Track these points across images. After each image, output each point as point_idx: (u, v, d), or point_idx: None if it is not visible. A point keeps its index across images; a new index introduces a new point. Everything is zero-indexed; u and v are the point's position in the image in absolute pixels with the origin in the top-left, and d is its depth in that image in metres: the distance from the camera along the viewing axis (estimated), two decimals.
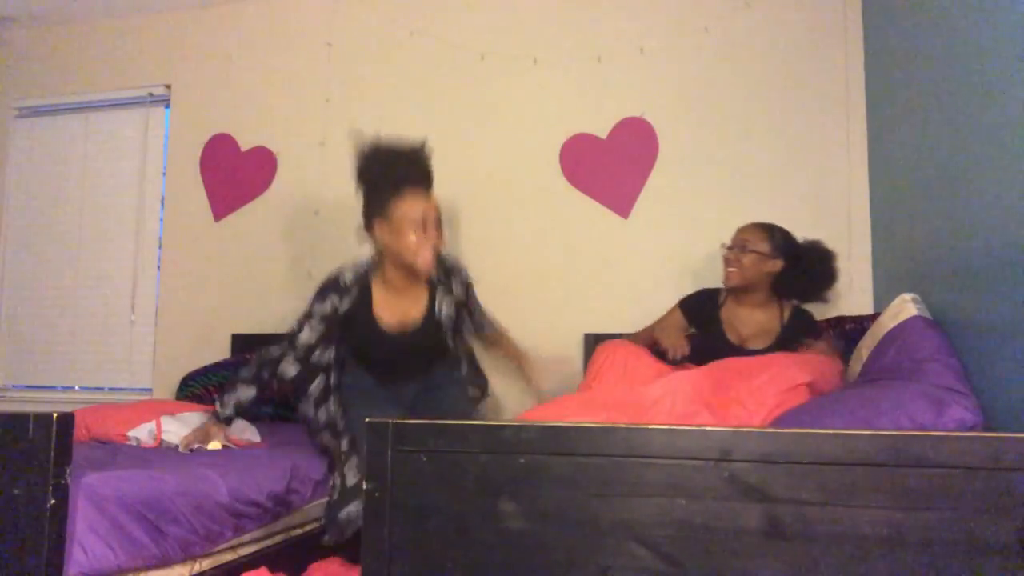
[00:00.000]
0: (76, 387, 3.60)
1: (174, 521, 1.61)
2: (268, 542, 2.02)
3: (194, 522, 1.66)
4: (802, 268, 2.37)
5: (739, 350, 2.34)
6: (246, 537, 1.90)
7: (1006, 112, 1.66)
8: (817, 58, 2.87)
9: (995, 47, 1.72)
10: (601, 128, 3.06)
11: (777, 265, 2.37)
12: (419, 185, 2.15)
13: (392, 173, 2.12)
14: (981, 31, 1.80)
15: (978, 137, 1.81)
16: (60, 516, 1.28)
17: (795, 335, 2.35)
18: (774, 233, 2.39)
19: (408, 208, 2.10)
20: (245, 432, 2.45)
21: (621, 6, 3.09)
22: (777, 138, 2.88)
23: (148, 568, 1.55)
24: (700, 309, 2.52)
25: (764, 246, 2.36)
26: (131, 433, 2.37)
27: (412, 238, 2.09)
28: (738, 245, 2.40)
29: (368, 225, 2.18)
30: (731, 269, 2.40)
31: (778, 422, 1.79)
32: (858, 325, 2.45)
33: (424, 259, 2.11)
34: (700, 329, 2.51)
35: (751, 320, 2.43)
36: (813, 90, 2.87)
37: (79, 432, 2.45)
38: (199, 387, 3.10)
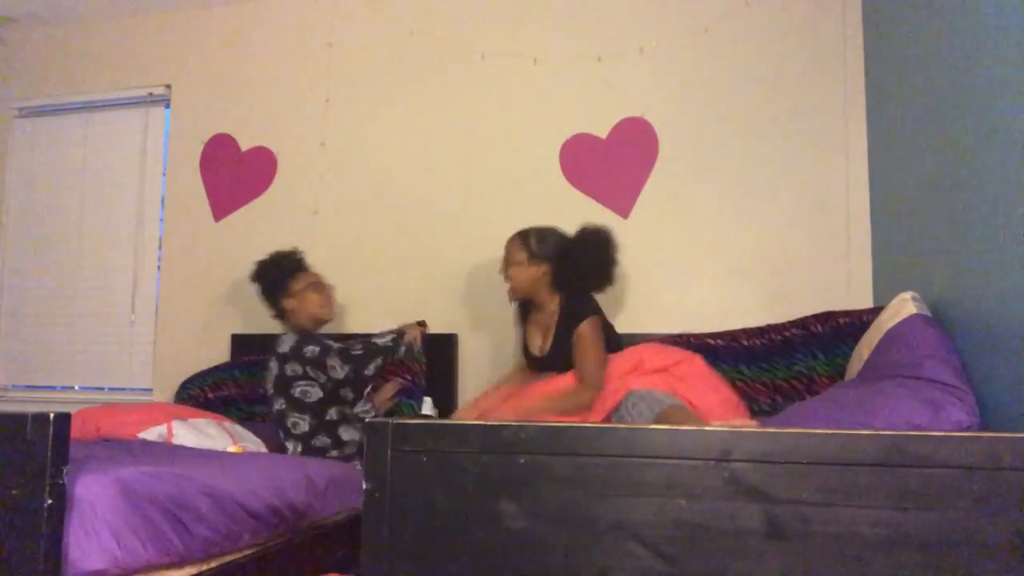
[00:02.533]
0: (76, 387, 3.60)
1: (199, 520, 1.61)
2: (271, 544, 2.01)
3: (218, 522, 1.67)
4: (573, 261, 2.38)
5: (537, 360, 2.45)
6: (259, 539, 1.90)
7: (1005, 111, 1.66)
8: (817, 58, 2.87)
9: (995, 45, 1.72)
10: (601, 128, 3.06)
11: (542, 269, 2.39)
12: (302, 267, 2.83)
13: (286, 264, 2.79)
14: (981, 29, 1.80)
15: (977, 135, 1.81)
16: (57, 516, 1.28)
17: (567, 327, 2.36)
18: (528, 239, 2.43)
19: (306, 279, 2.75)
20: (253, 444, 2.46)
21: (621, 6, 3.09)
22: (777, 138, 2.88)
23: (170, 566, 1.55)
24: (523, 314, 2.61)
25: (521, 255, 2.41)
26: (141, 435, 2.37)
27: (315, 297, 2.71)
28: (505, 261, 2.47)
29: (279, 308, 2.74)
30: (508, 286, 2.48)
31: (775, 422, 1.79)
32: (854, 319, 2.44)
33: (331, 310, 2.77)
34: (523, 335, 2.61)
35: (542, 321, 2.48)
36: (813, 90, 2.86)
37: (89, 431, 2.45)
38: (195, 389, 3.10)
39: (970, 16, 1.86)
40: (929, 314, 1.98)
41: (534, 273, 2.41)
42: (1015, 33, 1.62)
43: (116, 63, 3.68)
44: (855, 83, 2.83)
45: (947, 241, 2.02)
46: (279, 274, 2.74)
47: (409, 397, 2.82)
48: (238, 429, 2.55)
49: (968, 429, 1.51)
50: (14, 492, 1.26)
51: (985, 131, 1.77)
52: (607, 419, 2.11)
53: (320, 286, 2.75)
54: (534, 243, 2.42)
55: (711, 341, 2.62)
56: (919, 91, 2.24)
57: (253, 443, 2.46)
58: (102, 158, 3.67)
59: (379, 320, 3.12)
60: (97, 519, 1.38)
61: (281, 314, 2.74)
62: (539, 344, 2.48)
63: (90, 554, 1.35)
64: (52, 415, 1.27)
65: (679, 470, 1.02)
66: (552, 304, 2.44)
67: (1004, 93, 1.67)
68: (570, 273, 2.38)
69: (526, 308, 2.58)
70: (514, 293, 2.48)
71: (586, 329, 2.31)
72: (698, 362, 2.26)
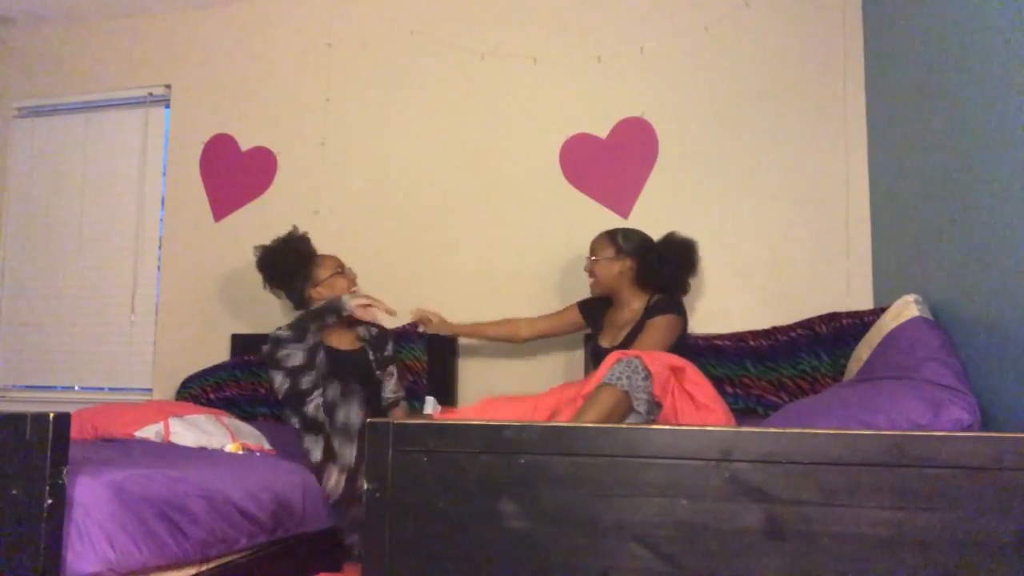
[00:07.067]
0: (76, 387, 3.60)
1: (195, 522, 1.61)
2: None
3: (213, 524, 1.67)
4: (656, 261, 2.47)
5: (605, 352, 2.40)
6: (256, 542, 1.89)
7: (1006, 111, 1.66)
8: (817, 57, 2.87)
9: (995, 45, 1.72)
10: (601, 128, 3.06)
11: (627, 263, 2.50)
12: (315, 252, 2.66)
13: (304, 250, 2.62)
14: (981, 29, 1.80)
15: (978, 136, 1.81)
16: (57, 516, 1.28)
17: (644, 322, 2.43)
18: (615, 235, 2.54)
19: (331, 263, 2.61)
20: (252, 439, 2.45)
21: (621, 6, 3.09)
22: (777, 138, 2.88)
23: (166, 568, 1.55)
24: (592, 312, 2.68)
25: (608, 251, 2.53)
26: (138, 434, 2.36)
27: (344, 284, 2.58)
28: (590, 256, 2.58)
29: (302, 299, 2.58)
30: (591, 280, 2.58)
31: (776, 420, 1.79)
32: (856, 320, 2.45)
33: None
34: (593, 332, 2.66)
35: (620, 319, 2.54)
36: (813, 90, 2.86)
37: (86, 431, 2.45)
38: (196, 388, 3.10)
39: (970, 15, 1.86)
40: (931, 317, 1.98)
41: (619, 267, 2.50)
42: (1015, 32, 1.62)
43: (116, 63, 3.68)
44: (855, 83, 2.83)
45: (947, 241, 2.02)
46: (299, 260, 2.54)
47: (412, 396, 2.81)
48: (237, 424, 2.54)
49: (968, 428, 1.51)
50: (14, 492, 1.26)
51: (985, 131, 1.77)
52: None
53: (345, 272, 2.59)
54: (620, 239, 2.53)
55: (718, 342, 2.65)
56: (919, 91, 2.24)
57: (252, 438, 2.46)
58: (102, 158, 3.66)
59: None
60: (91, 522, 1.37)
61: (302, 304, 2.53)
62: (610, 339, 2.51)
63: (84, 556, 1.35)
64: (52, 415, 1.27)
65: (680, 470, 1.02)
66: (636, 302, 2.51)
67: (1004, 93, 1.67)
68: (655, 271, 2.47)
69: (594, 308, 2.64)
70: (597, 287, 2.57)
71: (661, 321, 2.37)
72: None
